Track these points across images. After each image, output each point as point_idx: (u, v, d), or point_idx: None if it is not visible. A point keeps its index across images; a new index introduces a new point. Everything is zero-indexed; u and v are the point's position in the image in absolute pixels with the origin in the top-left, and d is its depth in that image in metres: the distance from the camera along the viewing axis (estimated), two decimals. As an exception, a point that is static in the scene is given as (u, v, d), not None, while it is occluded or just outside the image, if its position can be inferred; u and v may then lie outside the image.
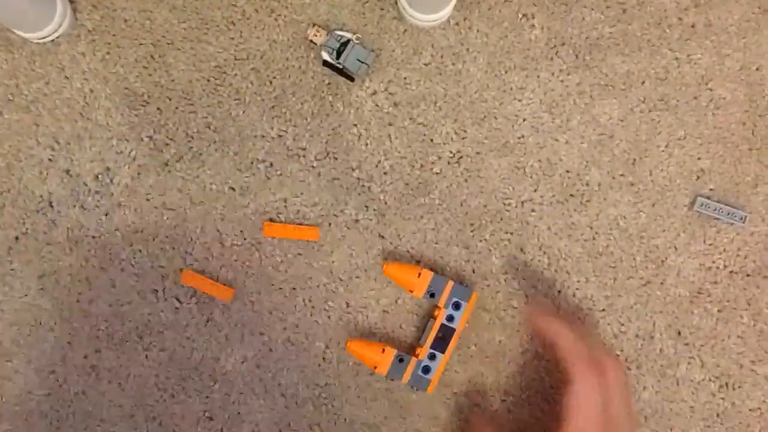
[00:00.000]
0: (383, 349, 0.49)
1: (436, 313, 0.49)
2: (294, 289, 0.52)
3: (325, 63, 0.51)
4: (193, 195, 0.51)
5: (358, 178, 0.52)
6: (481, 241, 0.51)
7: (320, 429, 0.52)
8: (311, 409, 0.52)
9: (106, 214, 0.52)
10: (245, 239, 0.51)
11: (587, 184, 0.51)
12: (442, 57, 0.52)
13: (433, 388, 0.50)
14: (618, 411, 0.44)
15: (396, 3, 0.51)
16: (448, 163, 0.52)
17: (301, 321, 0.51)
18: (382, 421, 0.51)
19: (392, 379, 0.50)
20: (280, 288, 0.51)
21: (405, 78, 0.52)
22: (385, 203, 0.51)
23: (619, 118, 0.51)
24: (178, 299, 0.51)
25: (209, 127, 0.52)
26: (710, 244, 0.51)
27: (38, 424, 0.51)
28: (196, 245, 0.51)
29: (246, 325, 0.51)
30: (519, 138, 0.52)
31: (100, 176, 0.52)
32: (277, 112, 0.52)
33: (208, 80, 0.52)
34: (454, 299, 0.49)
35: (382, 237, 0.51)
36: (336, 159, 0.52)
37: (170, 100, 0.52)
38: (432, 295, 0.49)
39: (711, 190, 0.51)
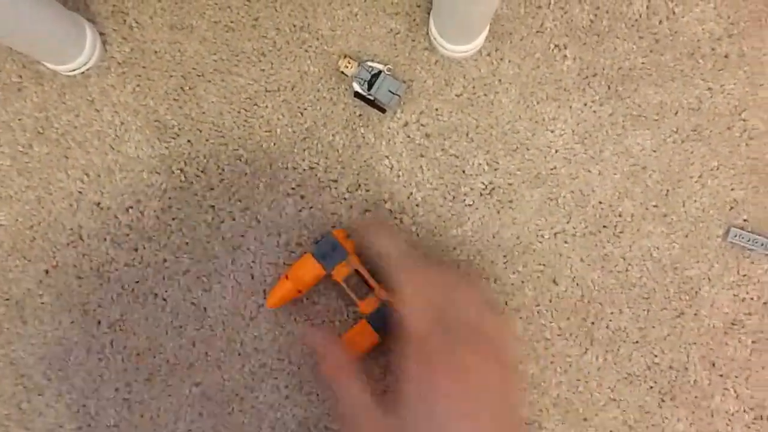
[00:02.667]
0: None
1: (334, 277, 0.49)
2: (323, 321, 0.51)
3: (357, 94, 0.51)
4: (223, 228, 0.51)
5: (390, 210, 0.51)
6: (513, 273, 0.51)
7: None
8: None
9: (136, 249, 0.51)
10: (278, 273, 0.51)
11: (620, 216, 0.51)
12: (473, 88, 0.51)
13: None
14: (457, 317, 0.40)
15: (427, 34, 0.51)
16: (481, 194, 0.51)
17: (333, 354, 0.51)
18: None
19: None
20: (314, 319, 0.51)
21: (437, 109, 0.51)
22: (417, 235, 0.51)
23: (651, 148, 0.51)
24: (211, 330, 0.51)
25: (240, 159, 0.51)
26: (744, 275, 0.51)
27: (69, 458, 0.51)
28: (229, 279, 0.51)
29: (279, 355, 0.51)
30: (551, 169, 0.51)
31: (130, 209, 0.51)
32: (308, 144, 0.51)
33: (239, 112, 0.52)
34: (327, 257, 0.48)
35: (415, 269, 0.51)
36: (368, 191, 0.51)
37: (201, 132, 0.51)
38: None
39: (744, 220, 0.51)
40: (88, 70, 0.51)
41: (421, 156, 0.51)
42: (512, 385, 0.42)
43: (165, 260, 0.51)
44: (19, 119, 0.51)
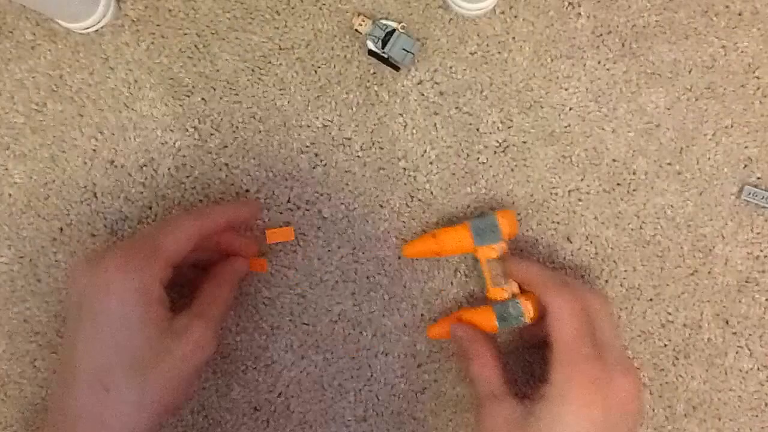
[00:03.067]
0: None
1: (478, 254, 0.48)
2: (337, 282, 0.51)
3: (371, 52, 0.51)
4: (237, 186, 0.51)
5: (404, 168, 0.51)
6: (528, 230, 0.51)
7: (366, 422, 0.51)
8: (353, 400, 0.51)
9: (150, 207, 0.51)
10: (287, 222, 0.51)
11: (634, 173, 0.51)
12: (487, 46, 0.51)
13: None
14: (608, 339, 0.42)
15: (441, -8, 0.51)
16: (494, 152, 0.51)
17: (346, 311, 0.51)
18: (429, 414, 0.51)
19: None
20: (326, 279, 0.51)
21: (451, 67, 0.51)
22: (431, 193, 0.51)
23: (665, 106, 0.51)
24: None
25: (254, 117, 0.51)
26: (758, 233, 0.51)
27: (83, 416, 0.51)
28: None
29: (291, 316, 0.51)
30: (565, 127, 0.51)
31: (144, 167, 0.51)
32: (322, 102, 0.51)
33: (253, 70, 0.52)
34: (481, 234, 0.48)
35: (428, 227, 0.51)
36: (382, 149, 0.51)
37: (215, 90, 0.51)
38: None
39: (758, 178, 0.51)
40: (102, 28, 0.51)
41: (435, 114, 0.51)
42: (638, 423, 0.45)
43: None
44: (33, 77, 0.52)
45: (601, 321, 0.43)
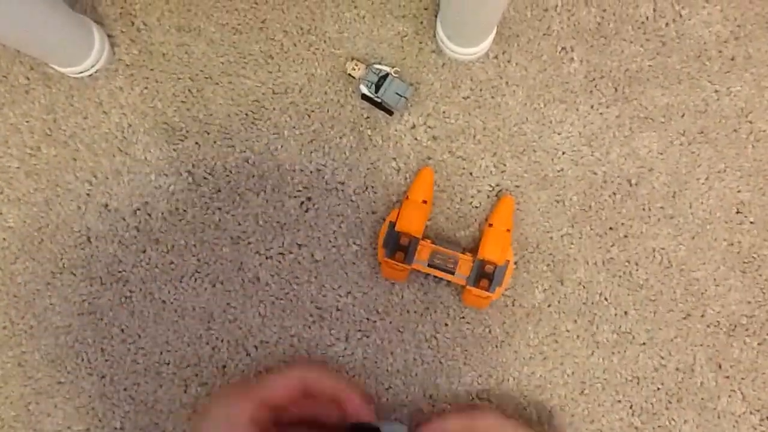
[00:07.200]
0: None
1: None
2: (331, 324, 0.51)
3: (364, 97, 0.51)
4: (230, 230, 0.51)
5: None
6: (524, 272, 0.51)
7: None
8: None
9: (144, 251, 0.52)
10: (283, 276, 0.51)
11: (627, 218, 0.51)
12: (481, 90, 0.51)
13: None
14: None
15: (435, 36, 0.51)
16: (488, 196, 0.51)
17: (339, 353, 0.51)
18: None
19: None
20: (319, 321, 0.51)
21: (444, 111, 0.51)
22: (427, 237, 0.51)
23: (658, 151, 0.51)
24: (216, 332, 0.51)
25: (247, 162, 0.52)
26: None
27: (77, 460, 0.51)
28: (234, 282, 0.51)
29: (284, 358, 0.51)
30: (558, 171, 0.51)
31: (138, 211, 0.52)
32: (316, 146, 0.51)
33: (246, 114, 0.52)
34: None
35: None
36: (375, 193, 0.51)
37: (208, 134, 0.52)
38: None
39: (751, 223, 0.51)
40: (96, 72, 0.51)
41: (429, 158, 0.51)
42: None
43: (172, 262, 0.51)
44: (27, 121, 0.52)
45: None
